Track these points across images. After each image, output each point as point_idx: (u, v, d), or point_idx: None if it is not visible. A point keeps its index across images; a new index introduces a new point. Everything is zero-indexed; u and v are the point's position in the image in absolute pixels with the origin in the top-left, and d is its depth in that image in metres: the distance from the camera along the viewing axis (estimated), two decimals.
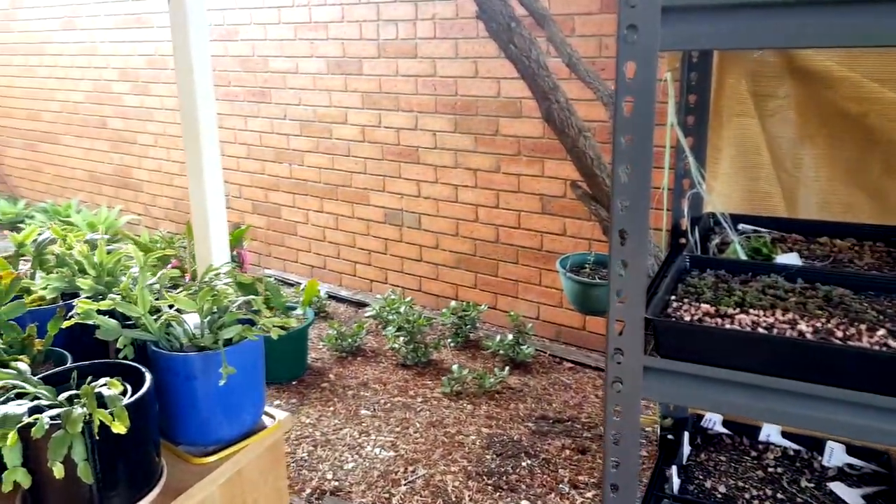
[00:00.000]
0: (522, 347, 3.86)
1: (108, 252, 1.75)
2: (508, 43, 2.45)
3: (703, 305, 1.14)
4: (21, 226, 6.41)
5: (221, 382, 1.41)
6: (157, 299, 1.57)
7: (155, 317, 1.52)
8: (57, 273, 1.71)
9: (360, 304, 4.84)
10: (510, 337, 3.91)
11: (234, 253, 3.70)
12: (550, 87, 2.47)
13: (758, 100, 1.68)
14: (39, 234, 1.80)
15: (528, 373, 3.81)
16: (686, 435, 1.66)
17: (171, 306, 1.55)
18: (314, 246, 5.23)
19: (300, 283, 5.18)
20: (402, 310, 4.16)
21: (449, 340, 4.13)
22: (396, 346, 3.90)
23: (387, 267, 4.87)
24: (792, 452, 1.60)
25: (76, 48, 6.31)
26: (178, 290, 1.74)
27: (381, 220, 4.79)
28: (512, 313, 4.08)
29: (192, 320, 1.55)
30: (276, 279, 5.31)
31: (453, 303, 4.23)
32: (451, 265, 4.54)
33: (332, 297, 4.97)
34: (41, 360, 1.54)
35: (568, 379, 3.75)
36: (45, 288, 1.63)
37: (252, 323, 1.55)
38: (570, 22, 3.71)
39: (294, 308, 3.89)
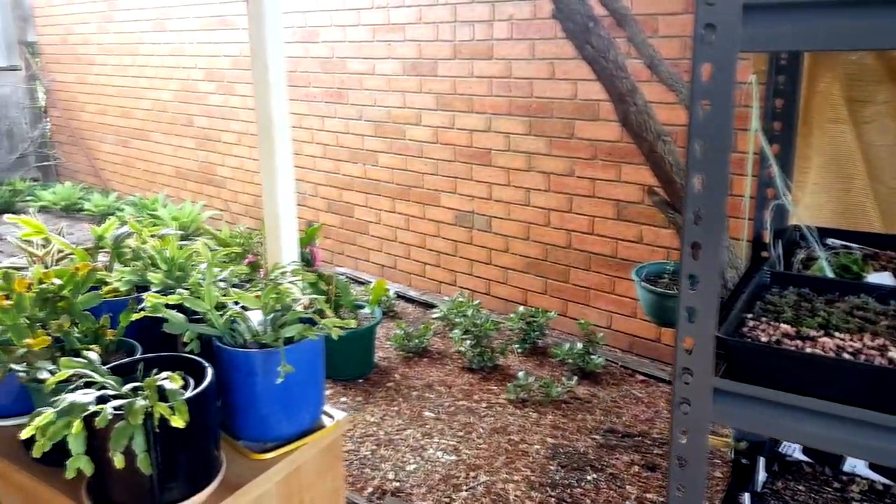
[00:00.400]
0: (592, 357, 3.77)
1: (180, 248, 1.79)
2: (585, 43, 2.38)
3: (782, 326, 1.06)
4: (111, 217, 6.74)
5: (279, 380, 1.42)
6: (224, 295, 1.59)
7: (220, 312, 1.54)
8: (131, 266, 1.76)
9: (428, 305, 4.84)
10: (580, 346, 3.82)
11: (306, 250, 3.77)
12: (628, 90, 2.39)
13: (853, 106, 1.56)
14: (117, 228, 1.87)
15: (597, 384, 3.71)
16: (762, 460, 1.56)
17: (236, 303, 1.57)
18: (385, 246, 5.27)
19: (370, 282, 5.23)
20: (469, 313, 4.13)
21: (516, 346, 4.08)
22: (462, 349, 3.87)
23: (456, 269, 4.85)
24: (880, 487, 1.48)
25: (166, 49, 6.58)
26: (249, 286, 1.76)
27: (452, 221, 4.78)
28: (582, 321, 3.99)
29: (257, 317, 1.56)
30: (347, 277, 5.38)
31: (521, 308, 4.17)
32: (521, 269, 4.48)
33: (400, 296, 4.99)
34: (113, 349, 1.59)
35: (639, 392, 3.64)
36: (119, 280, 1.68)
37: (313, 323, 1.56)
38: (653, 22, 3.59)
39: (362, 307, 3.92)
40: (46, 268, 1.78)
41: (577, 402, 3.52)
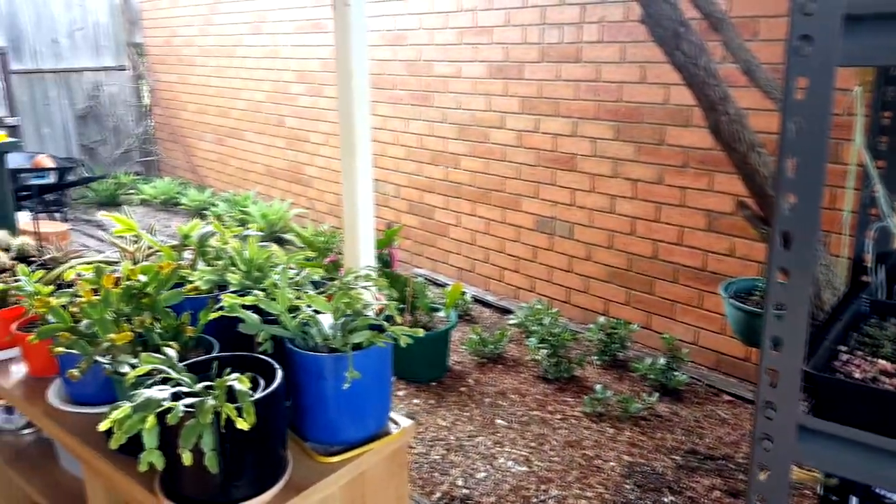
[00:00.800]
0: (675, 373, 3.63)
1: (259, 248, 1.83)
2: (675, 49, 2.28)
3: (880, 362, 0.97)
4: (205, 212, 7.04)
5: (345, 386, 1.42)
6: (297, 298, 1.61)
7: (293, 315, 1.56)
8: (213, 266, 1.81)
9: (505, 311, 4.80)
10: (662, 361, 3.69)
11: (385, 252, 3.80)
12: (720, 98, 2.28)
13: None
14: (202, 228, 1.93)
15: (679, 401, 3.57)
16: (854, 501, 1.44)
17: (309, 306, 1.58)
18: (464, 249, 5.27)
19: (447, 285, 5.24)
20: (546, 321, 4.06)
21: (594, 357, 3.98)
22: (538, 357, 3.81)
23: (534, 275, 4.79)
24: None
25: (261, 51, 6.82)
26: (329, 286, 1.78)
27: (532, 227, 4.72)
28: (666, 336, 3.85)
29: (328, 321, 1.58)
30: (425, 279, 5.41)
31: (602, 318, 4.06)
32: (603, 279, 4.37)
33: (477, 300, 4.97)
34: (192, 346, 1.63)
35: (725, 413, 3.47)
36: (200, 279, 1.73)
37: (382, 329, 1.55)
38: (753, 24, 3.42)
39: (438, 309, 3.92)
40: (136, 263, 1.86)
41: (656, 419, 3.40)
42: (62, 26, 7.94)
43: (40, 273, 1.94)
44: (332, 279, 1.92)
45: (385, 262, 3.81)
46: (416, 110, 5.35)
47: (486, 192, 4.97)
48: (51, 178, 6.63)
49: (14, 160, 6.83)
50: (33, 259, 2.30)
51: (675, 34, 2.23)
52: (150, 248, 2.01)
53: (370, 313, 1.61)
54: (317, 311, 1.59)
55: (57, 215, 6.86)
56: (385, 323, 1.56)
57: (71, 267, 2.01)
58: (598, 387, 3.50)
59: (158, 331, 1.59)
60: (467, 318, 4.67)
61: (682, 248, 3.94)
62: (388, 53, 5.45)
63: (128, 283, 1.60)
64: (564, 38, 4.27)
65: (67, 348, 1.50)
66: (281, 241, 6.24)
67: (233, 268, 1.79)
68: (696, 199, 3.81)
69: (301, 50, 6.32)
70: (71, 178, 7.16)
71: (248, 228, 2.05)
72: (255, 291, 1.61)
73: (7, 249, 2.43)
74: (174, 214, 7.39)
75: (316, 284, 1.82)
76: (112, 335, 1.45)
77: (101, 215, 2.18)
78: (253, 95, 7.11)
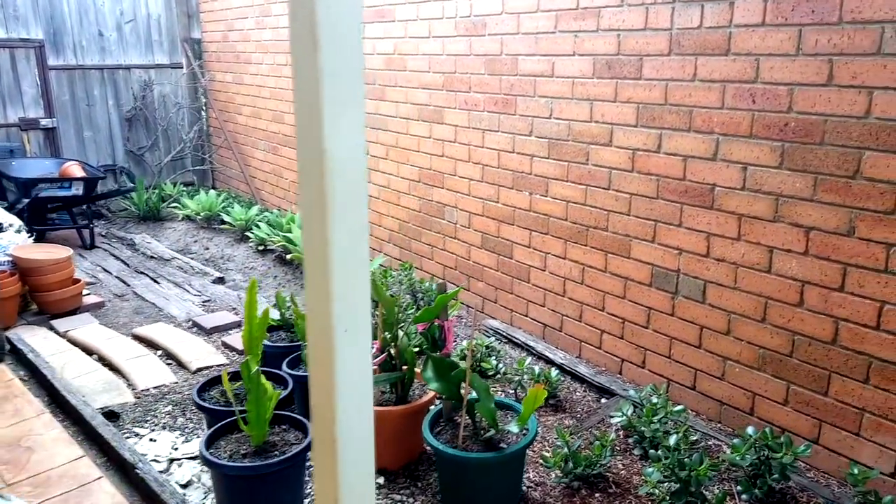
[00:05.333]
0: None
1: None
2: None
3: None
4: (248, 234, 6.10)
5: None
6: None
7: None
8: None
9: (603, 391, 3.55)
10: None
11: (436, 325, 2.64)
12: None
13: None
14: None
15: None
16: None
17: None
18: (550, 300, 4.04)
19: (530, 347, 4.02)
20: (666, 423, 2.81)
21: (739, 489, 2.68)
22: (656, 492, 2.55)
23: (647, 346, 3.51)
24: None
25: None
26: None
27: (646, 281, 3.45)
28: (855, 471, 2.51)
29: None
30: (497, 336, 4.21)
31: (750, 429, 2.75)
32: (749, 364, 3.06)
33: (566, 371, 3.74)
34: None
35: None
36: None
37: None
38: None
39: (509, 407, 2.74)
40: None
41: None
42: (109, 18, 7.21)
43: None
44: None
45: (434, 341, 2.66)
46: (495, 119, 4.18)
47: (584, 229, 3.74)
48: (76, 190, 5.84)
49: (39, 167, 6.10)
50: None
51: None
52: None
53: None
54: None
55: (84, 231, 6.08)
56: None
57: None
58: None
59: None
60: (551, 400, 3.45)
61: (880, 333, 2.60)
62: (463, 46, 4.31)
63: None
64: (706, 22, 3.00)
65: None
66: None
67: None
68: None
69: (363, 44, 5.25)
70: (102, 189, 6.39)
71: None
72: None
73: None
74: (216, 233, 6.49)
75: None
76: None
77: None
78: None
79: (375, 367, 3.02)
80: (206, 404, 2.89)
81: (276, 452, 2.53)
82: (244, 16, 6.93)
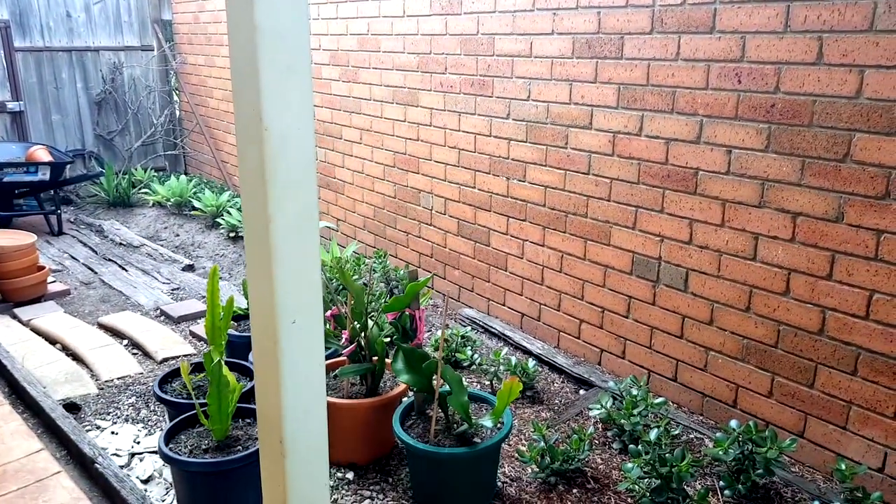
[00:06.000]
0: None
1: None
2: None
3: None
4: (219, 220, 5.92)
5: None
6: None
7: None
8: None
9: (581, 382, 3.44)
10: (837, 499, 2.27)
11: (407, 314, 2.51)
12: None
13: None
14: None
15: None
16: None
17: None
18: (527, 288, 3.92)
19: (506, 335, 3.90)
20: (646, 415, 2.70)
21: (722, 485, 2.58)
22: (636, 488, 2.44)
23: (627, 336, 3.40)
24: None
25: None
26: None
27: (626, 269, 3.33)
28: (841, 468, 2.42)
29: None
30: (473, 325, 4.09)
31: (734, 423, 2.65)
32: (733, 355, 2.96)
33: (544, 362, 3.63)
34: None
35: None
36: None
37: None
38: None
39: (485, 401, 2.61)
40: None
41: None
42: None
43: None
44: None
45: (405, 331, 2.52)
46: (471, 101, 4.04)
47: (563, 215, 3.61)
48: (42, 175, 5.62)
49: (5, 151, 5.87)
50: None
51: None
52: None
53: None
54: None
55: (52, 217, 5.86)
56: None
57: None
58: None
59: None
60: (529, 392, 3.33)
61: (869, 323, 2.50)
62: (438, 25, 4.15)
63: None
64: None
65: None
66: None
67: None
68: None
69: (335, 24, 5.08)
70: (71, 174, 6.16)
71: None
72: None
73: None
74: (187, 220, 6.29)
75: None
76: None
77: None
78: None
79: (344, 357, 2.88)
80: (167, 397, 2.73)
81: (239, 447, 2.39)
82: None
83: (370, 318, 2.83)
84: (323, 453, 1.27)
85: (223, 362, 2.43)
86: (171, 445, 2.41)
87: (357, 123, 5.06)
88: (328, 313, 2.88)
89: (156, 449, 2.87)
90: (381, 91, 4.73)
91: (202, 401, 2.60)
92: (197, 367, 2.94)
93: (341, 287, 3.54)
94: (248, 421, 2.58)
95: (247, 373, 2.99)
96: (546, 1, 3.47)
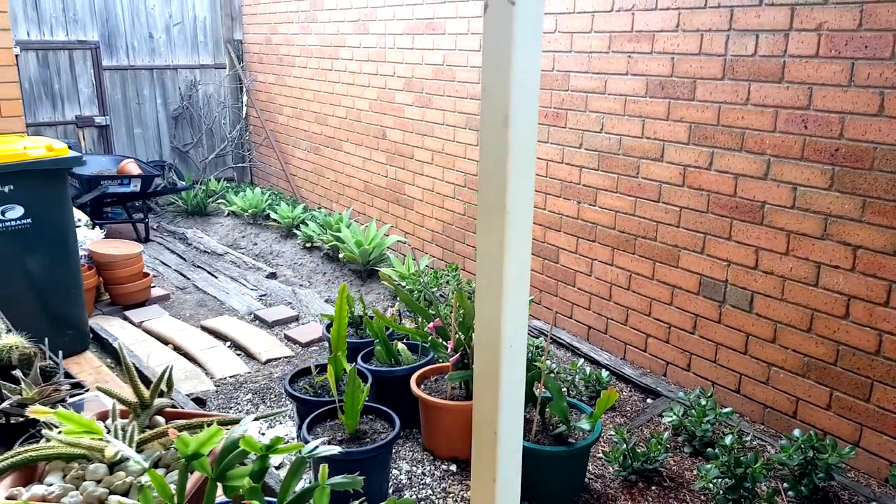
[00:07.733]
0: None
1: None
2: None
3: None
4: (295, 231, 6.34)
5: None
6: None
7: None
8: None
9: (648, 391, 3.78)
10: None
11: None
12: None
13: None
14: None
15: None
16: None
17: None
18: (595, 303, 4.27)
19: (574, 347, 4.26)
20: (715, 422, 3.03)
21: (785, 485, 2.91)
22: (710, 486, 2.78)
23: (692, 350, 3.74)
24: None
25: (366, 53, 6.04)
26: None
27: (693, 289, 3.67)
28: (894, 472, 2.74)
29: None
30: (542, 335, 4.45)
31: (797, 431, 2.98)
32: (794, 371, 3.28)
33: (612, 372, 3.97)
34: None
35: None
36: None
37: None
38: None
39: (573, 406, 2.97)
40: None
41: None
42: (159, 21, 7.45)
43: None
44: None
45: None
46: (544, 131, 4.40)
47: (631, 238, 3.96)
48: (134, 186, 6.10)
49: (98, 163, 6.36)
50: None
51: None
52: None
53: None
54: None
55: (140, 225, 6.34)
56: None
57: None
58: None
59: None
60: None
61: None
62: None
63: None
64: (760, 50, 3.20)
65: None
66: (373, 275, 5.43)
67: None
68: None
69: (411, 54, 5.48)
70: (156, 186, 6.64)
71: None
72: None
73: None
74: (262, 229, 6.74)
75: None
76: None
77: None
78: (354, 102, 6.35)
79: (441, 365, 3.26)
80: (297, 394, 3.14)
81: (368, 440, 2.77)
82: (289, 20, 7.16)
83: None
84: (519, 444, 1.65)
85: (354, 368, 2.82)
86: (311, 436, 2.80)
87: (429, 146, 5.45)
88: (430, 325, 3.26)
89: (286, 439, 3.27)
90: (454, 117, 5.12)
91: (329, 398, 3.01)
92: (305, 371, 3.34)
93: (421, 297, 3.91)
94: (371, 417, 2.97)
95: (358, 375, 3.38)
96: (621, 45, 3.82)
